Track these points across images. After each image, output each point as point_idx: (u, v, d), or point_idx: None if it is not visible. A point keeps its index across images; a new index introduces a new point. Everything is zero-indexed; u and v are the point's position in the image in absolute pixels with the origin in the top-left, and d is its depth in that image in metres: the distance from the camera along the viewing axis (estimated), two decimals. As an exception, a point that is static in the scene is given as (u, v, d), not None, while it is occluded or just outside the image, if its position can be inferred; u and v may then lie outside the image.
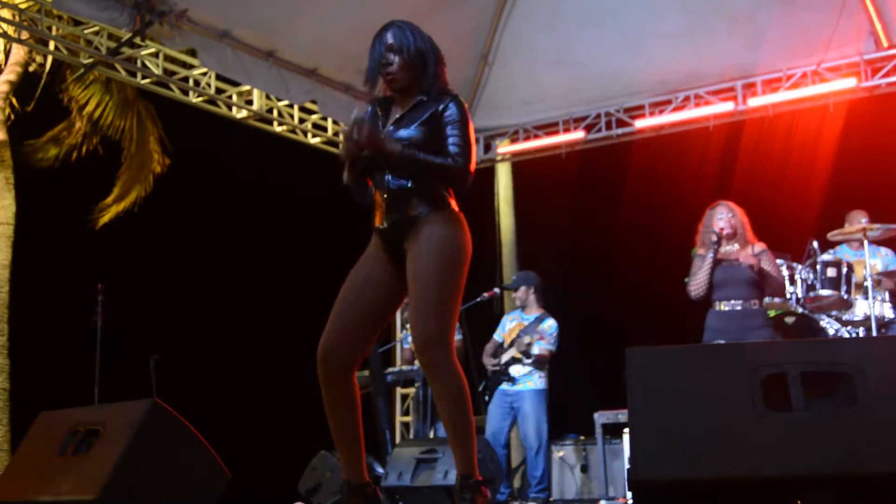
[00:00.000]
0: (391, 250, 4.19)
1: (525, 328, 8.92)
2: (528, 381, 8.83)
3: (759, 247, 7.43)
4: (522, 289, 9.10)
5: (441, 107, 4.18)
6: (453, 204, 4.21)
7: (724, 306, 7.36)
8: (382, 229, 4.22)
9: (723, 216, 7.49)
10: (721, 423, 3.38)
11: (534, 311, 9.07)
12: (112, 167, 13.07)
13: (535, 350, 8.78)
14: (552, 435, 9.16)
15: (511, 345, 8.89)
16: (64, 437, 5.14)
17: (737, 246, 7.48)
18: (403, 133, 4.16)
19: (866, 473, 3.18)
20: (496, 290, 9.19)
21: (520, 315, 9.14)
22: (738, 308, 7.30)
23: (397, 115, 4.27)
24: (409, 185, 4.14)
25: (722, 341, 7.10)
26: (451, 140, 4.13)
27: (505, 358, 8.90)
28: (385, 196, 4.19)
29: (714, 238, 7.41)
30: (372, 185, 4.26)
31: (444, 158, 4.10)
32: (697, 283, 7.45)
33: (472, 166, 4.16)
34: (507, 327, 9.12)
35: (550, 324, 8.93)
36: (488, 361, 9.06)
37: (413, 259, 4.11)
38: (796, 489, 3.23)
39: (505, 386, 8.89)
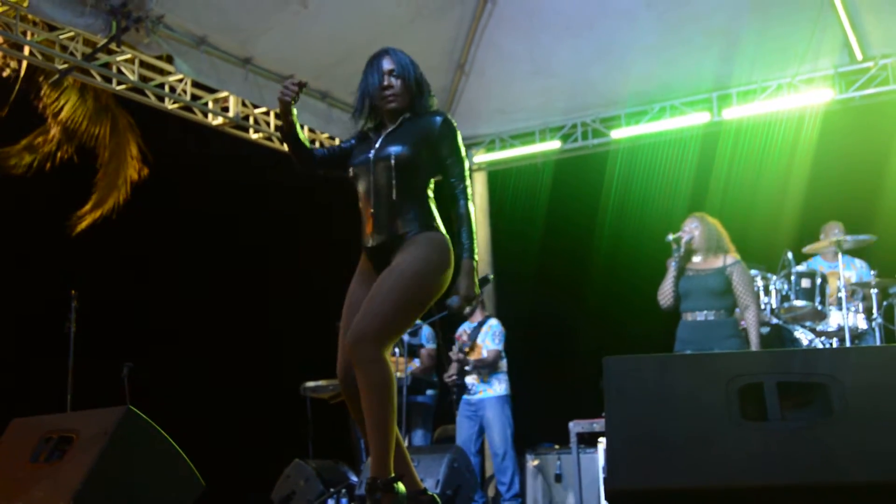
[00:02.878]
0: (381, 267, 4.22)
1: (469, 335, 9.02)
2: (488, 388, 8.90)
3: (731, 258, 7.41)
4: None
5: (432, 128, 4.35)
6: (440, 225, 4.30)
7: (691, 317, 7.37)
8: (371, 248, 4.30)
9: (688, 226, 7.51)
10: (697, 433, 3.39)
11: (477, 318, 9.15)
12: (88, 174, 13.02)
13: (484, 353, 8.88)
14: (527, 444, 9.18)
15: (456, 349, 9.01)
16: (36, 445, 5.09)
17: (701, 257, 7.47)
18: (393, 149, 4.30)
19: (842, 483, 3.19)
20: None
21: (467, 326, 9.21)
22: (704, 318, 7.31)
23: (387, 132, 4.40)
24: (398, 205, 4.25)
25: (689, 352, 7.12)
26: (454, 170, 4.36)
27: (454, 370, 8.99)
28: (374, 215, 4.28)
29: (674, 246, 7.43)
30: (362, 205, 4.34)
31: (463, 207, 4.32)
32: (663, 292, 7.49)
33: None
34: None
35: (492, 324, 9.04)
36: (447, 376, 9.14)
37: (388, 268, 4.17)
38: (772, 499, 3.23)
39: (467, 395, 8.97)
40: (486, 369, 8.91)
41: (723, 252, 7.43)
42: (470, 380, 8.96)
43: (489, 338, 8.97)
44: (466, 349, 8.91)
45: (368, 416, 4.01)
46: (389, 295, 4.06)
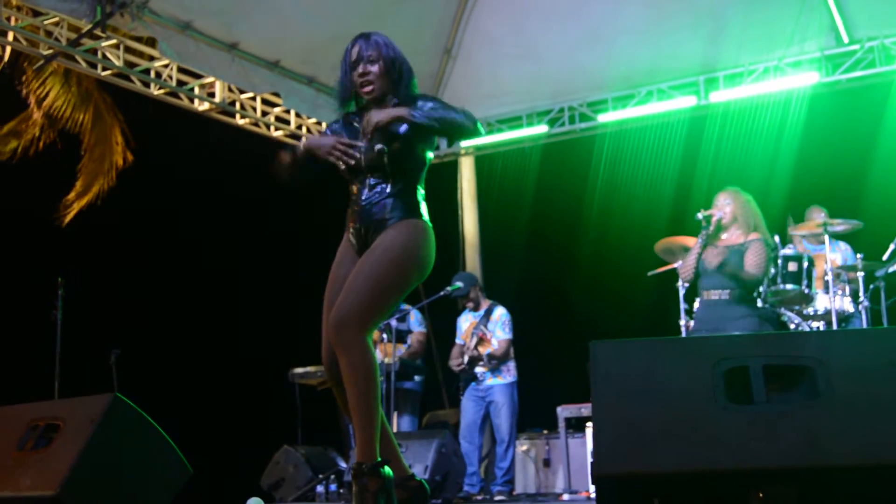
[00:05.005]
0: (363, 250, 4.21)
1: (477, 325, 8.99)
2: (497, 375, 8.90)
3: (753, 235, 7.34)
4: (470, 291, 9.14)
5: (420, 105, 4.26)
6: (425, 213, 4.27)
7: (707, 296, 7.36)
8: (356, 231, 4.26)
9: (720, 202, 7.46)
10: (684, 417, 3.39)
11: (483, 306, 9.13)
12: (72, 161, 12.98)
13: (495, 344, 8.87)
14: (516, 429, 9.21)
15: (473, 343, 8.97)
16: (23, 432, 5.08)
17: (729, 234, 7.43)
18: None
19: (827, 466, 3.20)
20: (460, 283, 9.18)
21: (471, 313, 9.19)
22: (718, 298, 7.30)
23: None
24: (388, 190, 4.22)
25: (704, 331, 7.13)
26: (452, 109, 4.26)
27: (466, 358, 8.97)
28: (363, 199, 4.25)
29: (703, 223, 7.37)
30: (352, 191, 4.30)
31: (456, 113, 4.22)
32: (686, 266, 7.47)
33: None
34: (464, 328, 9.20)
35: (500, 313, 9.03)
36: (453, 363, 9.12)
37: (367, 252, 4.17)
38: (758, 482, 3.24)
39: (475, 383, 8.96)
40: (497, 360, 8.90)
41: (751, 230, 7.37)
42: (480, 369, 8.95)
43: (499, 327, 8.97)
44: (477, 339, 8.90)
45: (352, 400, 4.00)
46: (369, 279, 4.05)
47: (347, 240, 4.33)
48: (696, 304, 7.56)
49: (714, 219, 7.38)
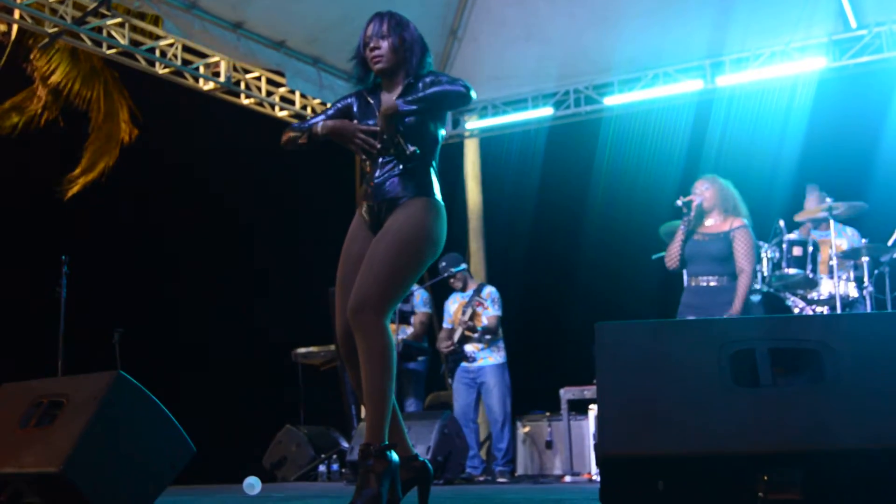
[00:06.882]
0: (376, 228, 4.23)
1: (468, 303, 8.98)
2: (487, 356, 8.90)
3: (738, 223, 7.36)
4: (462, 269, 9.14)
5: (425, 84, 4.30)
6: (437, 191, 4.28)
7: (695, 282, 7.35)
8: (369, 208, 4.28)
9: (699, 188, 7.48)
10: (689, 399, 3.38)
11: (471, 286, 9.14)
12: (74, 138, 12.98)
13: (484, 321, 8.87)
14: (517, 411, 9.21)
15: (468, 315, 8.97)
16: (26, 409, 5.07)
17: (712, 220, 7.45)
18: None
19: (833, 449, 3.19)
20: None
21: (459, 295, 9.19)
22: (709, 284, 7.29)
23: (391, 97, 4.32)
24: (401, 169, 4.22)
25: (692, 317, 7.10)
26: (443, 78, 4.29)
27: (456, 336, 8.96)
28: (376, 179, 4.26)
29: (683, 210, 7.39)
30: (366, 169, 4.31)
31: (447, 86, 4.24)
32: (670, 254, 7.48)
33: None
34: (452, 310, 9.20)
35: (490, 290, 9.04)
36: (442, 345, 9.10)
37: (380, 232, 4.15)
38: (764, 465, 3.23)
39: (466, 363, 8.95)
40: (490, 336, 8.90)
41: (733, 215, 7.40)
42: (470, 348, 8.95)
43: (489, 303, 8.97)
44: (468, 316, 8.91)
45: (367, 383, 4.00)
46: (384, 262, 4.06)
47: (360, 216, 4.33)
48: (684, 290, 7.53)
49: (694, 204, 7.40)
